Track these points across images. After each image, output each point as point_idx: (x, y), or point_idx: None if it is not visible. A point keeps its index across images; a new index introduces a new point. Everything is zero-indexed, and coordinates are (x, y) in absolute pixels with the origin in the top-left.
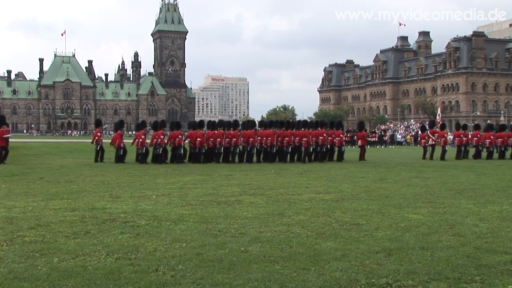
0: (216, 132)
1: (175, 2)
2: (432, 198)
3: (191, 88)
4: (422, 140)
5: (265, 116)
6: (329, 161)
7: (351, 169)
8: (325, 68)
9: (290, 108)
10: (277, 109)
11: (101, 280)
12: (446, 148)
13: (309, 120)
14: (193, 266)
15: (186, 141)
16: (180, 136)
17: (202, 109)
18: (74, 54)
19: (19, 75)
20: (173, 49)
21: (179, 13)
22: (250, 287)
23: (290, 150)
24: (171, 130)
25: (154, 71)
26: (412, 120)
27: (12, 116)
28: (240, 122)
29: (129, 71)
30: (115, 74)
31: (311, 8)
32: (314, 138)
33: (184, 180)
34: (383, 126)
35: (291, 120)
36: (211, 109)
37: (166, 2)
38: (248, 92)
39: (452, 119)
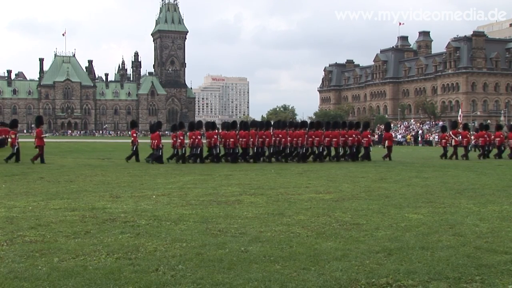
0: (249, 132)
1: (175, 2)
2: (432, 198)
3: (191, 88)
4: (443, 140)
5: (265, 116)
6: (354, 161)
7: (351, 169)
8: (325, 68)
9: (290, 108)
10: (277, 109)
11: (101, 280)
12: (469, 148)
13: (309, 120)
14: (193, 266)
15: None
16: (215, 136)
17: (202, 109)
18: (74, 54)
19: (19, 75)
20: (173, 49)
21: (179, 13)
22: (250, 287)
23: (321, 150)
24: (206, 131)
25: (154, 71)
26: (412, 120)
27: (12, 116)
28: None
29: (129, 71)
30: (115, 74)
31: (310, 8)
32: (343, 139)
33: (184, 180)
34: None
35: (321, 121)
36: (211, 109)
37: (166, 2)
38: (248, 92)
39: (452, 119)
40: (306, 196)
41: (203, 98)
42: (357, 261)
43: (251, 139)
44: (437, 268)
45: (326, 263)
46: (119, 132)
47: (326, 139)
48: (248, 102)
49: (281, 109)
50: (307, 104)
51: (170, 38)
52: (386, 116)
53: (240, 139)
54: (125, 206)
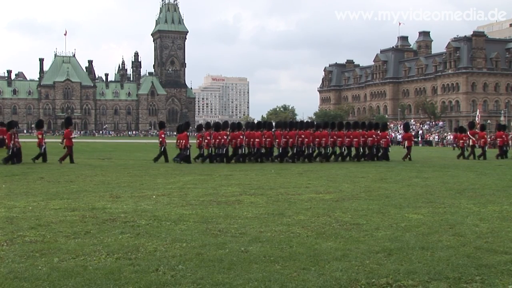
0: (275, 132)
1: (175, 2)
2: (432, 198)
3: (191, 88)
4: (461, 141)
5: (265, 116)
6: (373, 161)
7: (351, 169)
8: (325, 68)
9: (290, 108)
10: (277, 109)
11: (101, 280)
12: (486, 148)
13: (309, 120)
14: (193, 266)
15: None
16: (241, 137)
17: (202, 109)
18: (74, 54)
19: (19, 75)
20: (173, 49)
21: (179, 13)
22: (250, 287)
23: (343, 150)
24: (231, 131)
25: (154, 71)
26: (412, 120)
27: (12, 116)
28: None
29: (129, 71)
30: (115, 74)
31: (308, 8)
32: (363, 139)
33: (184, 180)
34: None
35: (344, 122)
36: (211, 109)
37: (166, 2)
38: (248, 92)
39: (452, 119)
40: (306, 196)
41: (203, 98)
42: (357, 261)
43: (276, 140)
44: (437, 268)
45: (326, 263)
46: (119, 133)
47: (347, 139)
48: (248, 102)
49: (281, 109)
50: (306, 104)
51: (170, 38)
52: (386, 116)
53: (265, 139)
54: (125, 206)
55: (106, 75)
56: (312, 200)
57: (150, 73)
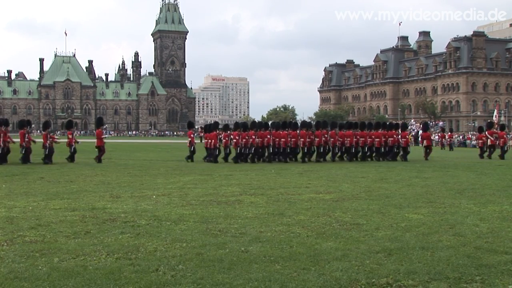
0: (300, 132)
1: (176, 2)
2: (433, 198)
3: (191, 88)
4: (480, 141)
5: (265, 116)
6: (394, 161)
7: (351, 169)
8: (325, 68)
9: (290, 108)
10: (277, 109)
11: (102, 280)
12: (506, 148)
13: (309, 121)
14: (194, 266)
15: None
16: (268, 136)
17: (202, 109)
18: (74, 54)
19: (20, 75)
20: (173, 49)
21: (180, 13)
22: (250, 287)
23: (366, 150)
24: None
25: (155, 71)
26: (412, 120)
27: (13, 116)
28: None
29: (129, 71)
30: (115, 74)
31: (307, 9)
32: (384, 139)
33: (184, 180)
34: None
35: (366, 122)
36: (211, 109)
37: (166, 2)
38: (248, 92)
39: (452, 119)
40: (306, 196)
41: (203, 98)
42: (357, 261)
43: (302, 139)
44: (437, 268)
45: (326, 263)
46: (119, 133)
47: (369, 139)
48: (248, 102)
49: (281, 109)
50: (306, 104)
51: (170, 38)
52: (386, 116)
53: (290, 139)
54: (125, 206)
55: (106, 75)
56: (312, 200)
57: (150, 73)
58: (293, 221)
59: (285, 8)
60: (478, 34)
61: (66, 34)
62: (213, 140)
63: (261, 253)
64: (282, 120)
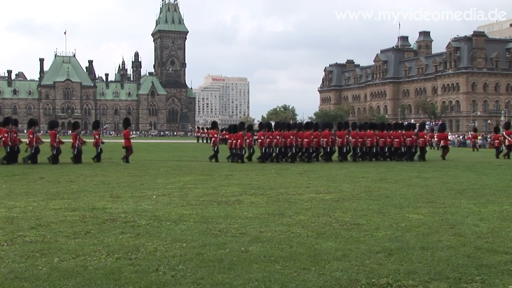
0: (323, 132)
1: (176, 2)
2: (433, 198)
3: (191, 88)
4: (496, 141)
5: (265, 116)
6: (411, 161)
7: (351, 169)
8: (325, 68)
9: (290, 108)
10: (277, 109)
11: (102, 280)
12: None
13: (310, 121)
14: (194, 266)
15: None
16: (291, 137)
17: (203, 109)
18: (74, 54)
19: (20, 75)
20: (173, 49)
21: (180, 13)
22: (250, 287)
23: (386, 150)
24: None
25: (155, 71)
26: (412, 120)
27: (13, 116)
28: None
29: (130, 71)
30: (115, 74)
31: (306, 9)
32: (402, 139)
33: (185, 180)
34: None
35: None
36: (211, 109)
37: (166, 2)
38: (248, 92)
39: (452, 119)
40: (306, 196)
41: (203, 98)
42: (357, 261)
43: (324, 139)
44: (437, 268)
45: (326, 263)
46: (119, 133)
47: (388, 139)
48: (248, 102)
49: (281, 109)
50: (306, 104)
51: (170, 38)
52: (386, 116)
53: (312, 139)
54: (125, 206)
55: (106, 75)
56: (312, 200)
57: (150, 73)
58: (293, 221)
59: (283, 9)
60: (478, 34)
61: (65, 34)
62: (239, 140)
63: (261, 253)
64: (282, 120)
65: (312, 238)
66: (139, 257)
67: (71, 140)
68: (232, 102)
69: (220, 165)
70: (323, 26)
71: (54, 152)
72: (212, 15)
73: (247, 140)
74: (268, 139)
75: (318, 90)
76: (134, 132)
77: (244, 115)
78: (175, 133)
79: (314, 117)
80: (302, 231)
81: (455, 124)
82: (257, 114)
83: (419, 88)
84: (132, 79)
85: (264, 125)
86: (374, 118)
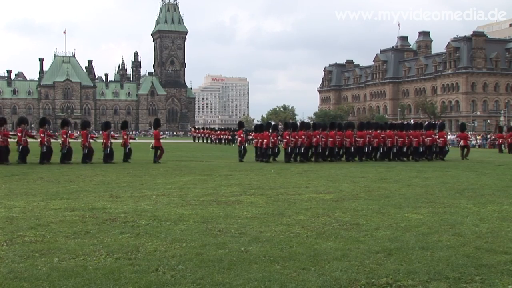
0: (346, 132)
1: (175, 2)
2: (432, 198)
3: (191, 88)
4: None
5: (265, 116)
6: (430, 160)
7: (351, 169)
8: (325, 68)
9: (290, 108)
10: (277, 109)
11: (101, 280)
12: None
13: (309, 121)
14: (193, 266)
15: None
16: (317, 136)
17: (202, 109)
18: (74, 54)
19: (19, 75)
20: (173, 49)
21: (179, 13)
22: (250, 287)
23: (405, 150)
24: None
25: (154, 71)
26: (412, 120)
27: (12, 116)
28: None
29: (129, 71)
30: (115, 74)
31: (304, 9)
32: (422, 139)
33: (184, 180)
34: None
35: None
36: (211, 109)
37: (166, 2)
38: (248, 92)
39: (452, 119)
40: (306, 196)
41: (203, 98)
42: (357, 261)
43: (348, 139)
44: (437, 268)
45: (326, 263)
46: (119, 133)
47: (407, 139)
48: (248, 102)
49: (281, 109)
50: (305, 104)
51: (170, 38)
52: (386, 116)
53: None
54: (125, 206)
55: (106, 75)
56: (312, 200)
57: (150, 73)
58: (293, 221)
59: (281, 9)
60: (478, 34)
61: (64, 33)
62: (265, 140)
63: (261, 253)
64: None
65: (311, 238)
66: (139, 257)
67: (103, 140)
68: (232, 102)
69: (220, 165)
70: (322, 26)
71: (85, 152)
72: (211, 15)
73: (272, 140)
74: (294, 139)
75: (317, 90)
76: (134, 132)
77: (243, 115)
78: (174, 133)
79: (314, 117)
80: (302, 231)
81: (455, 124)
82: (256, 114)
83: (418, 88)
84: (131, 79)
85: (289, 125)
86: (374, 118)
